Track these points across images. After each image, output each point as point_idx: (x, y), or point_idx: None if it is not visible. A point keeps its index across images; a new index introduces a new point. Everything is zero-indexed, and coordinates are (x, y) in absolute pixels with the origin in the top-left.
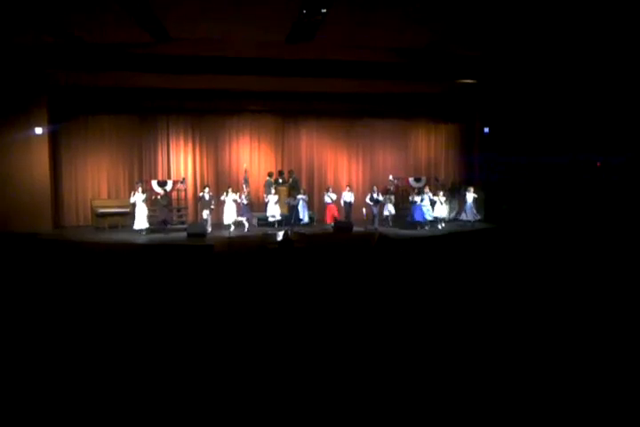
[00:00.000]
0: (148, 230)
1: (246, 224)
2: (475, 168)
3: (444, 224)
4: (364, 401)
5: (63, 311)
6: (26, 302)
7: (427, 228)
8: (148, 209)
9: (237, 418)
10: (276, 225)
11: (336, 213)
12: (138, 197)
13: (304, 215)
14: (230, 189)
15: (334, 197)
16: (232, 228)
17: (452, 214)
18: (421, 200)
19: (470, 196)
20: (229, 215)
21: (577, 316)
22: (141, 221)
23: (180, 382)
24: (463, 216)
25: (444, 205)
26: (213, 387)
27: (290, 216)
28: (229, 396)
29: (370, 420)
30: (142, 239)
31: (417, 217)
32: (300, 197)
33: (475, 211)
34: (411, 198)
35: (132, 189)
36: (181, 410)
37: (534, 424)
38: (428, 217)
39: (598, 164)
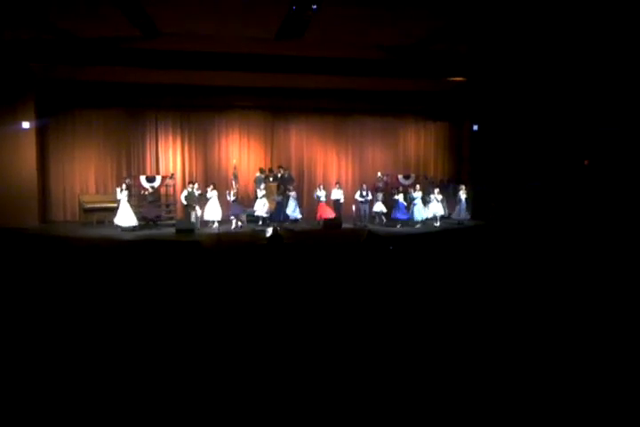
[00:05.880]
0: (131, 228)
1: (234, 221)
2: (464, 167)
3: (437, 222)
4: (355, 399)
5: (49, 307)
6: (11, 298)
7: (399, 226)
8: (133, 206)
9: (227, 418)
10: (264, 222)
11: (327, 213)
12: (121, 195)
13: (294, 212)
14: (212, 186)
15: (322, 195)
16: (216, 224)
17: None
18: (404, 199)
19: (463, 195)
20: (213, 212)
21: (570, 312)
22: (124, 219)
23: (168, 379)
24: (456, 215)
25: (439, 203)
26: (203, 385)
27: (277, 213)
28: (218, 394)
29: (359, 418)
30: (129, 235)
31: (397, 215)
32: (288, 193)
33: (465, 210)
34: (395, 196)
35: (120, 184)
36: (172, 408)
37: (533, 424)
38: (418, 216)
39: (586, 162)
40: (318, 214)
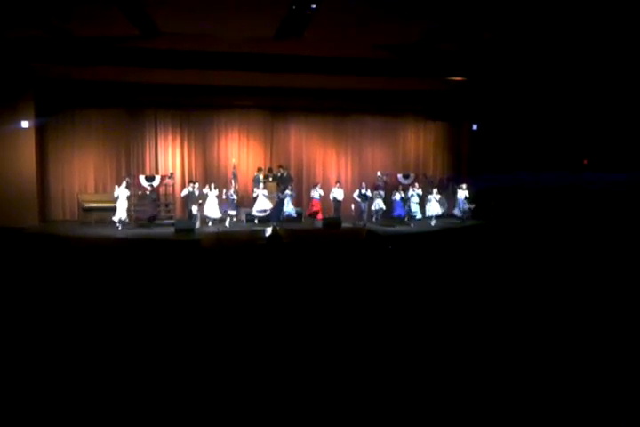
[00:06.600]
0: (126, 223)
1: (227, 221)
2: (463, 166)
3: (434, 221)
4: (354, 398)
5: (49, 306)
6: (11, 297)
7: (397, 224)
8: (133, 204)
9: (227, 417)
10: (263, 221)
11: (317, 209)
12: (120, 192)
13: (289, 210)
14: (213, 185)
15: (322, 193)
16: (216, 222)
17: (444, 211)
18: (400, 198)
19: (462, 193)
20: (212, 210)
21: (570, 312)
22: (121, 214)
23: (167, 378)
24: (456, 212)
25: (437, 202)
26: (202, 384)
27: (276, 212)
28: (217, 393)
29: (359, 418)
30: (129, 234)
31: (395, 212)
32: (287, 192)
33: (466, 208)
34: (392, 197)
35: (120, 183)
36: (171, 408)
37: (533, 424)
38: (415, 213)
39: (585, 161)
40: (308, 210)
